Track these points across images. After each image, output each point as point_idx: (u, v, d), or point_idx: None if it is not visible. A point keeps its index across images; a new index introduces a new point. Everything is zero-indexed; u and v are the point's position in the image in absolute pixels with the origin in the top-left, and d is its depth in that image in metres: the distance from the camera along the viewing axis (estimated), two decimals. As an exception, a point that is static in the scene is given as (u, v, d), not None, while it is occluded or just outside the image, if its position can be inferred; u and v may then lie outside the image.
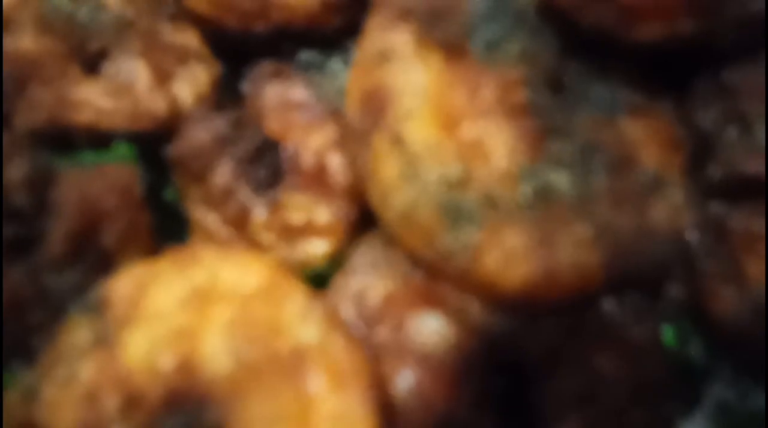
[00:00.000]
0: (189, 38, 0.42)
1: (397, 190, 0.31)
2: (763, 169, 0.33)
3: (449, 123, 0.31)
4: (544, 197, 0.30)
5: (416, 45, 0.31)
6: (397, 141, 0.31)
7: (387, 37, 0.32)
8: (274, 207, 0.36)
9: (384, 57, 0.32)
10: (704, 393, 0.36)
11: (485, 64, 0.32)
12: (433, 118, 0.31)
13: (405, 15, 0.32)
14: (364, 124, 0.32)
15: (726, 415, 0.36)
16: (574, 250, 0.30)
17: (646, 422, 0.33)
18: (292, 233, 0.36)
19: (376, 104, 0.31)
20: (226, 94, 0.40)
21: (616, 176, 0.31)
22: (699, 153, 0.35)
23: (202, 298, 0.30)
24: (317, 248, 0.35)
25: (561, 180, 0.31)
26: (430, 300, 0.32)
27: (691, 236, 0.34)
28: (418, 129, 0.31)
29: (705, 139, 0.34)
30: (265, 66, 0.39)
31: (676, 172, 0.34)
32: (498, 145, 0.31)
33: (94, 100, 0.37)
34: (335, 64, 0.40)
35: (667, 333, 0.35)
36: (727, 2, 0.31)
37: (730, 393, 0.36)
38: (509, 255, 0.30)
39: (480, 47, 0.32)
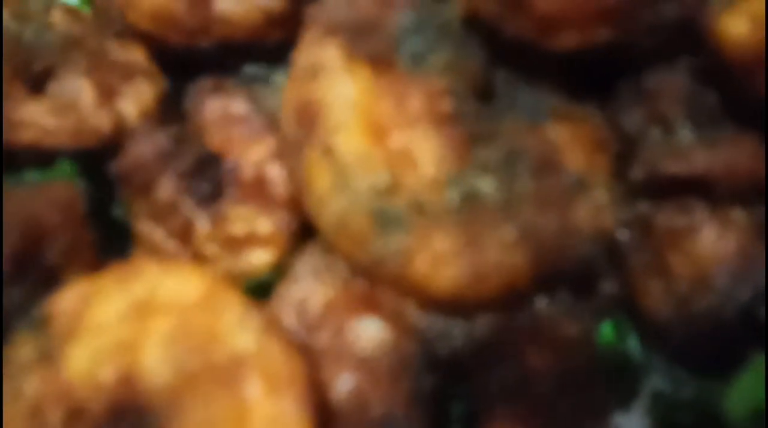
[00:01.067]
0: (135, 55, 0.42)
1: (329, 200, 0.31)
2: (682, 169, 0.34)
3: (378, 133, 0.31)
4: (470, 202, 0.31)
5: (344, 59, 0.32)
6: (328, 152, 0.31)
7: (316, 51, 0.33)
8: (217, 219, 0.37)
9: (314, 71, 0.32)
10: (641, 386, 0.37)
11: (412, 76, 0.32)
12: (362, 129, 0.31)
13: (333, 30, 0.32)
14: (297, 136, 0.33)
15: (661, 406, 0.37)
16: (501, 252, 0.31)
17: (576, 414, 0.33)
18: (235, 244, 0.36)
19: (308, 117, 0.32)
20: (172, 109, 0.41)
21: (541, 179, 0.32)
22: (625, 154, 0.35)
23: (142, 310, 0.30)
24: (260, 258, 0.36)
25: (487, 185, 0.31)
26: (368, 305, 0.33)
27: (621, 235, 0.35)
28: (348, 140, 0.31)
29: (629, 141, 0.35)
30: (206, 81, 0.39)
31: (601, 174, 0.35)
32: (425, 153, 0.31)
33: (37, 118, 0.38)
34: (279, 76, 0.40)
35: (606, 330, 0.36)
36: (640, 10, 0.32)
37: (665, 384, 0.37)
38: (438, 259, 0.31)
39: (406, 59, 0.32)
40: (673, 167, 0.34)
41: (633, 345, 0.37)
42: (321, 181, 0.31)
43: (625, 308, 0.37)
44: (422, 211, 0.31)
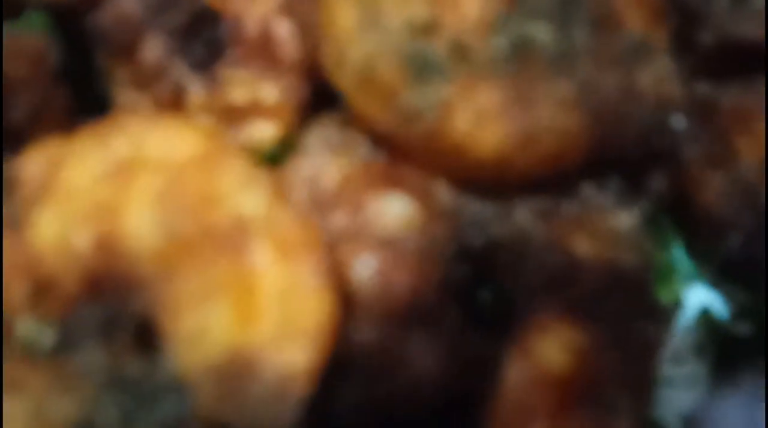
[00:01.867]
0: None
1: (354, 43, 0.28)
2: (760, 32, 0.31)
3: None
4: (521, 50, 0.28)
5: None
6: (355, -16, 0.27)
7: None
8: (214, 85, 0.33)
9: None
10: (686, 295, 0.35)
11: None
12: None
13: None
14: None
15: (711, 318, 0.35)
16: (555, 111, 0.28)
17: (630, 314, 0.31)
18: (234, 114, 0.32)
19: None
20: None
21: (601, 34, 0.29)
22: (685, 28, 0.33)
23: (125, 170, 0.27)
24: (264, 130, 0.32)
25: (540, 32, 0.28)
26: (392, 181, 0.30)
27: (677, 123, 0.33)
28: (379, -32, 0.28)
29: (693, 11, 0.33)
30: None
31: (662, 42, 0.32)
32: (470, -10, 0.28)
33: (2, -38, 0.33)
34: None
35: (647, 224, 0.34)
36: None
37: (712, 294, 0.35)
38: (482, 115, 0.28)
39: None
40: (752, 31, 0.31)
41: (678, 254, 0.36)
42: (344, 18, 0.28)
43: (670, 208, 0.34)
44: (466, 57, 0.28)
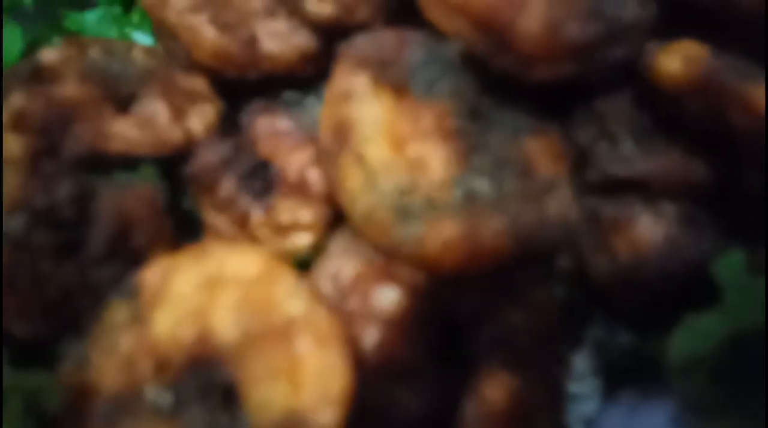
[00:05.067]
0: (197, 83, 0.39)
1: (360, 198, 0.29)
2: (626, 172, 0.33)
3: (398, 144, 0.29)
4: (470, 198, 0.29)
5: (371, 86, 0.30)
6: (359, 159, 0.29)
7: (349, 79, 0.30)
8: (268, 210, 0.34)
9: (347, 95, 0.30)
10: (586, 334, 0.36)
11: (424, 100, 0.30)
12: (386, 141, 0.29)
13: (362, 63, 0.30)
14: (333, 146, 0.30)
15: (602, 350, 0.36)
16: (493, 237, 0.29)
17: (548, 357, 0.32)
18: (282, 229, 0.34)
19: (343, 131, 0.29)
20: (227, 125, 0.38)
21: (522, 181, 0.30)
22: (578, 162, 0.34)
23: (212, 283, 0.28)
24: (302, 240, 0.34)
25: (482, 185, 0.29)
26: (388, 276, 0.31)
27: (575, 223, 0.34)
28: (375, 150, 0.29)
29: (583, 152, 0.34)
30: (257, 103, 0.37)
31: (564, 177, 0.33)
32: (435, 160, 0.29)
33: (125, 132, 0.35)
34: (310, 101, 0.38)
35: (558, 292, 0.34)
36: (597, 50, 0.30)
37: (603, 333, 0.36)
38: (446, 242, 0.28)
39: (419, 87, 0.30)
40: (619, 171, 0.32)
41: (577, 303, 0.36)
42: (353, 182, 0.29)
43: (573, 275, 0.35)
44: (434, 205, 0.29)
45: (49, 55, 0.37)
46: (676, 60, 0.30)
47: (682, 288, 0.32)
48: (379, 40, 0.30)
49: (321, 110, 0.34)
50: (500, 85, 0.31)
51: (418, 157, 0.29)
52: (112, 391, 0.27)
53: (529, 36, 0.28)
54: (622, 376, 0.35)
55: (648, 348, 0.34)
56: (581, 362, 0.35)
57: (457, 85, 0.31)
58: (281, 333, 0.26)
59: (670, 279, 0.32)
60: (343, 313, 0.30)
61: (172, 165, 0.35)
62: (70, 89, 0.35)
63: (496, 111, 0.31)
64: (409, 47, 0.30)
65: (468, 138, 0.30)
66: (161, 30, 0.40)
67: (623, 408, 0.34)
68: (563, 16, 0.29)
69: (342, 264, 0.32)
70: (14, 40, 0.45)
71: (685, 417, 0.32)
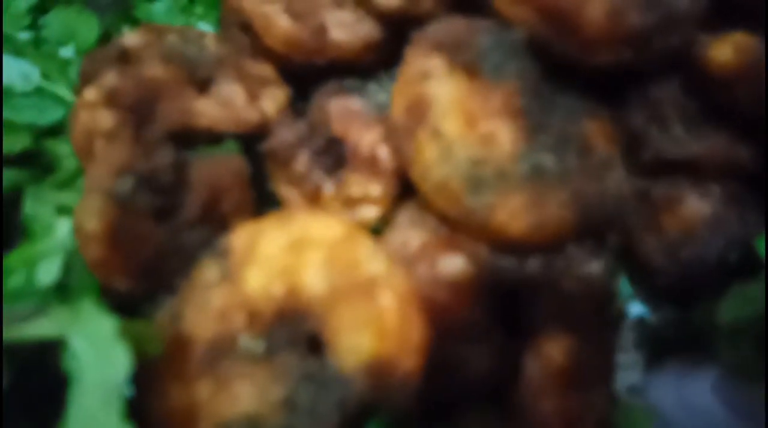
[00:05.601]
0: (266, 69, 0.42)
1: (435, 168, 0.31)
2: (677, 153, 0.34)
3: (471, 121, 0.31)
4: (537, 172, 0.31)
5: (447, 67, 0.32)
6: (435, 133, 0.31)
7: (425, 61, 0.32)
8: (339, 184, 0.36)
9: (424, 75, 0.32)
10: (629, 309, 0.38)
11: (493, 81, 0.32)
12: (460, 117, 0.31)
13: (438, 47, 0.32)
14: (408, 123, 0.32)
15: (644, 324, 0.38)
16: (557, 209, 0.31)
17: (601, 326, 0.33)
18: (352, 202, 0.36)
19: (419, 109, 0.32)
20: (293, 107, 0.40)
21: (583, 158, 0.32)
22: (631, 145, 0.35)
23: (298, 245, 0.30)
24: (371, 212, 0.35)
25: (548, 160, 0.31)
26: (453, 246, 0.32)
27: (626, 202, 0.35)
28: (451, 124, 0.31)
29: (635, 135, 0.35)
30: (331, 85, 0.39)
31: (617, 158, 0.34)
32: (504, 136, 0.31)
33: (209, 110, 0.37)
34: (372, 87, 0.40)
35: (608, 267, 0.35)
36: (654, 38, 0.32)
37: (646, 308, 0.38)
38: (514, 212, 0.30)
39: (489, 69, 0.32)
40: (671, 152, 0.34)
41: (624, 285, 0.38)
42: (429, 154, 0.31)
43: (619, 254, 0.36)
44: (504, 177, 0.30)
45: (131, 39, 0.39)
46: (728, 50, 0.32)
47: (726, 264, 0.33)
48: (452, 27, 0.33)
49: (383, 95, 0.36)
50: (560, 71, 0.33)
51: (489, 132, 0.31)
52: (208, 340, 0.29)
53: (593, 23, 0.30)
54: (665, 348, 0.37)
55: (692, 320, 0.35)
56: (625, 335, 0.37)
57: (522, 69, 0.33)
58: (365, 288, 0.28)
59: (716, 254, 0.33)
60: (411, 278, 0.31)
61: (250, 142, 0.37)
62: (155, 70, 0.38)
63: (556, 93, 0.33)
64: (478, 33, 0.32)
65: (533, 116, 0.32)
66: (229, 19, 0.43)
67: (670, 377, 0.36)
68: (625, 5, 0.31)
69: (409, 234, 0.33)
70: (91, 27, 0.48)
71: (730, 383, 0.34)
